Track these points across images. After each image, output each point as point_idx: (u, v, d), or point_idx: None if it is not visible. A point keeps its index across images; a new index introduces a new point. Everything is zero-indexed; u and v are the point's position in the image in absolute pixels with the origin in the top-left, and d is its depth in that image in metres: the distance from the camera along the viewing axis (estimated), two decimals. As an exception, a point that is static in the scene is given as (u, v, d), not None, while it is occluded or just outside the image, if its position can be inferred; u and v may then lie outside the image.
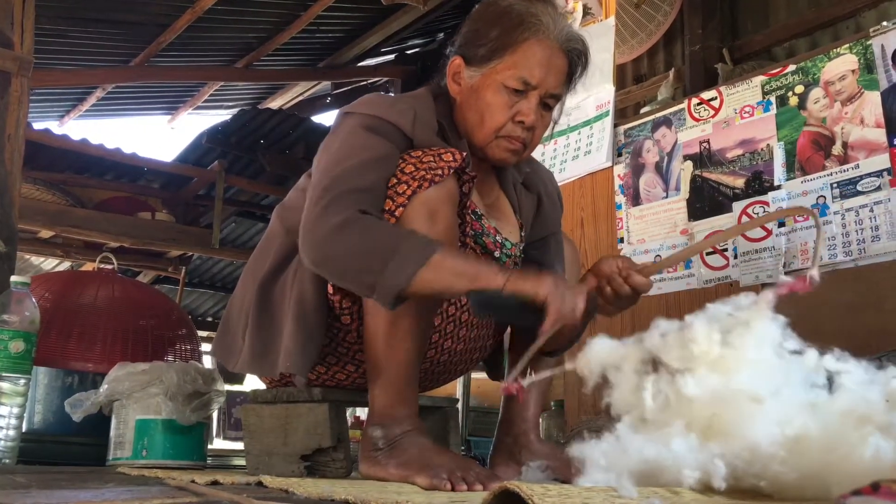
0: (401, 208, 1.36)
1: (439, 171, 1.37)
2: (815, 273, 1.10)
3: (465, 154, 1.41)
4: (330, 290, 1.47)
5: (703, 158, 2.53)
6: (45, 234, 5.03)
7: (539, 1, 1.51)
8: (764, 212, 2.33)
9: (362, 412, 4.39)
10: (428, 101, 1.53)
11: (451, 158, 1.39)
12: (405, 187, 1.37)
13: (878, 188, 2.09)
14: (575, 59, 1.53)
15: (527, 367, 1.26)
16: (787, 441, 0.92)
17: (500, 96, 1.48)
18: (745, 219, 2.39)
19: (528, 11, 1.48)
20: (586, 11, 3.09)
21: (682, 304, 2.45)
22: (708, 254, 2.43)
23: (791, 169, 2.30)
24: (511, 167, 1.65)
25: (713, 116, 2.53)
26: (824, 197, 2.20)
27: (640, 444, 0.98)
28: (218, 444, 5.46)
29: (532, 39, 1.47)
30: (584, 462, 0.99)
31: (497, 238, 1.59)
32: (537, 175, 1.75)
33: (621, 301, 1.38)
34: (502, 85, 1.47)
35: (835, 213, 2.16)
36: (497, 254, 1.59)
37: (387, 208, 1.37)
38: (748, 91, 2.45)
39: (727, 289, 2.34)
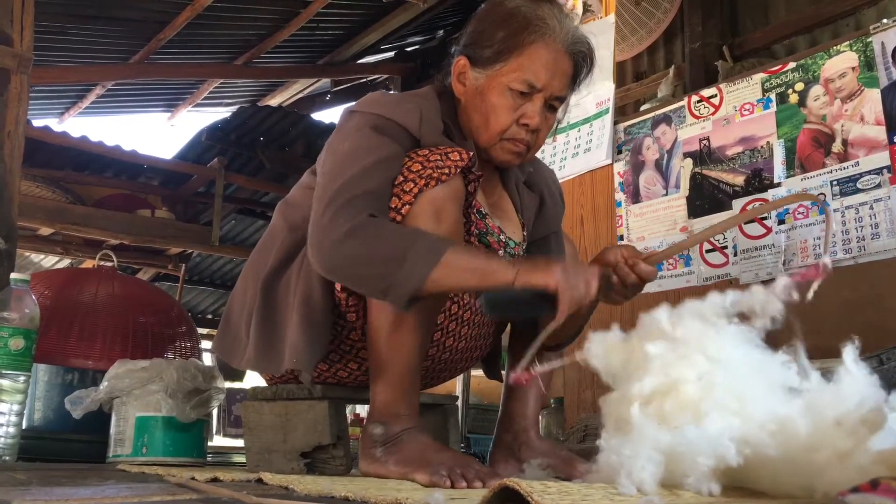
0: (407, 206, 1.36)
1: (446, 170, 1.37)
2: (827, 260, 1.12)
3: (472, 153, 1.41)
4: (337, 287, 1.47)
5: (703, 156, 2.53)
6: (45, 231, 5.02)
7: (545, 2, 1.51)
8: (764, 209, 2.33)
9: (362, 409, 4.39)
10: (433, 100, 1.53)
11: (458, 157, 1.39)
12: (412, 185, 1.37)
13: (878, 186, 2.09)
14: (580, 62, 1.53)
15: (534, 357, 1.28)
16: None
17: (504, 98, 1.48)
18: (744, 216, 2.38)
19: (534, 14, 1.48)
20: (586, 8, 3.08)
21: (682, 302, 2.45)
22: (707, 251, 2.43)
23: (791, 166, 2.30)
24: (514, 167, 1.65)
25: (713, 114, 2.53)
26: (824, 194, 2.20)
27: (654, 436, 0.97)
28: (218, 441, 5.45)
29: (538, 42, 1.47)
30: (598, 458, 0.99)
31: (501, 237, 1.59)
32: (540, 174, 1.75)
33: (627, 290, 1.39)
34: (507, 87, 1.47)
35: (834, 210, 2.16)
36: (501, 253, 1.59)
37: (393, 206, 1.37)
38: (748, 88, 2.45)
39: (727, 286, 2.33)
